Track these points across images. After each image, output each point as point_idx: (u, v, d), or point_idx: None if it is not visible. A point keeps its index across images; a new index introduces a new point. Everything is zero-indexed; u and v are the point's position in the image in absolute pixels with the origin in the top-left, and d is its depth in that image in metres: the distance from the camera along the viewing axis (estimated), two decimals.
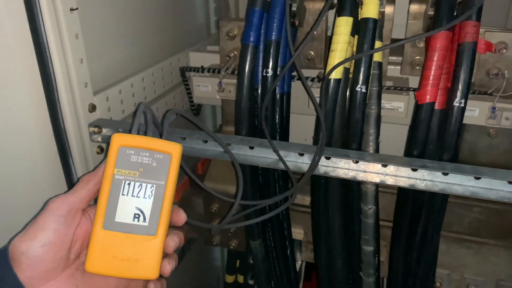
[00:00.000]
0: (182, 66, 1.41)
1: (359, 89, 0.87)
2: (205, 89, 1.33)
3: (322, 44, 1.24)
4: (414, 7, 1.13)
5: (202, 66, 1.35)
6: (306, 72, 1.25)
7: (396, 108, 1.16)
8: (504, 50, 1.09)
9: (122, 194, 0.57)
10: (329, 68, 0.88)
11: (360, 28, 0.87)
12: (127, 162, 0.57)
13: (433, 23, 0.83)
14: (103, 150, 1.05)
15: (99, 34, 1.07)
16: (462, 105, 0.83)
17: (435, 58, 0.82)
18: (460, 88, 0.82)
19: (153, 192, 0.57)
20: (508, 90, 1.11)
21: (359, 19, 0.89)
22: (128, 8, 1.19)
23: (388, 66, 1.22)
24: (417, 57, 1.11)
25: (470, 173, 0.79)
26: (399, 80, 1.20)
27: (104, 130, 1.00)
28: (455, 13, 0.85)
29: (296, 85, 1.18)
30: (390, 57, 1.20)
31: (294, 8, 1.03)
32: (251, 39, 0.92)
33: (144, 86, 1.25)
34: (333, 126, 0.91)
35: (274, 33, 0.91)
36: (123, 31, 1.17)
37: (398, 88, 1.15)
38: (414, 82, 1.13)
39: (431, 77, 0.83)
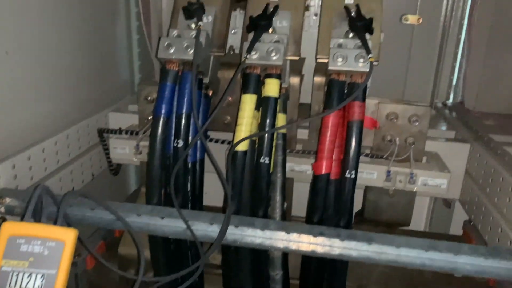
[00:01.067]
0: (100, 127, 1.41)
1: (263, 161, 0.94)
2: (123, 151, 1.34)
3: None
4: (317, 79, 1.25)
5: (120, 128, 1.36)
6: (224, 135, 1.32)
7: (305, 171, 1.25)
8: (395, 120, 1.23)
9: (9, 287, 0.56)
10: (235, 141, 0.94)
11: (262, 105, 0.95)
12: (16, 252, 0.57)
13: (325, 103, 0.93)
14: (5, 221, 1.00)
15: (4, 93, 1.03)
16: (353, 176, 0.92)
17: (328, 134, 0.92)
18: (350, 161, 0.92)
19: (43, 282, 0.57)
20: (401, 154, 1.25)
21: (262, 96, 0.97)
22: (40, 61, 1.15)
23: (298, 129, 1.32)
24: None
25: (363, 239, 0.86)
26: (308, 143, 1.31)
27: (8, 200, 0.96)
28: (345, 91, 0.96)
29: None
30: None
31: (206, 81, 1.10)
32: (162, 111, 0.97)
33: (57, 149, 1.23)
34: (241, 194, 0.96)
35: (184, 106, 0.96)
36: (34, 89, 1.14)
37: (306, 152, 1.24)
38: None
39: (325, 151, 0.92)
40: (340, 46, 0.97)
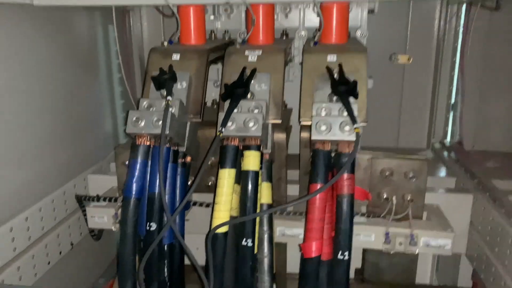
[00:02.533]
0: (78, 194, 1.32)
1: (246, 243, 0.85)
2: (101, 220, 1.24)
3: None
4: (305, 135, 1.17)
5: (97, 195, 1.27)
6: (208, 197, 1.22)
7: (297, 235, 1.16)
8: (390, 176, 1.14)
9: None
10: (214, 222, 0.84)
11: (242, 180, 0.86)
12: None
13: (310, 177, 0.84)
14: None
15: None
16: (346, 257, 0.82)
17: (316, 213, 0.83)
18: (342, 241, 0.82)
19: None
20: (400, 212, 1.15)
21: (242, 169, 0.88)
22: (20, 127, 1.08)
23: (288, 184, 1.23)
24: None
25: None
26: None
27: None
28: (331, 161, 0.87)
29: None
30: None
31: (183, 149, 1.01)
32: (133, 192, 0.88)
33: (28, 225, 1.14)
34: (223, 282, 0.86)
35: (157, 185, 0.88)
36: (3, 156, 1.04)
37: (298, 214, 1.15)
38: None
39: (314, 231, 0.83)
40: (323, 111, 0.89)
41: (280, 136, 1.11)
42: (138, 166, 0.88)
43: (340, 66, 0.93)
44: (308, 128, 1.16)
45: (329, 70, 0.93)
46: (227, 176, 0.85)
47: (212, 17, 1.38)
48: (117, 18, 1.41)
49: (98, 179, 1.41)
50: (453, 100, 1.69)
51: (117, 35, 1.49)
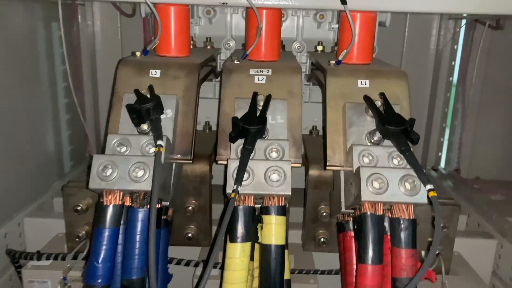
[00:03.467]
0: (11, 249, 0.98)
1: None
2: (43, 285, 0.92)
3: (206, 216, 0.96)
4: (314, 173, 0.93)
5: (38, 252, 0.94)
6: (189, 252, 0.95)
7: None
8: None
9: None
10: None
11: (262, 259, 0.60)
12: None
13: (359, 253, 0.60)
14: None
15: None
16: None
17: None
18: None
19: None
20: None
21: (259, 241, 0.62)
22: None
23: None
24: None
25: None
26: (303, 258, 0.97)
27: None
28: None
29: None
30: None
31: (166, 203, 0.73)
32: (99, 279, 0.58)
33: None
34: None
35: (135, 270, 0.59)
36: None
37: (304, 272, 0.91)
38: None
39: None
40: (365, 158, 0.65)
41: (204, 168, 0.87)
42: (106, 240, 0.59)
43: (383, 96, 0.70)
44: (318, 163, 0.93)
45: (370, 101, 0.70)
46: (239, 254, 0.59)
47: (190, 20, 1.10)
48: (63, 14, 1.09)
49: (37, 224, 1.08)
50: (448, 123, 1.54)
51: (63, 35, 1.16)
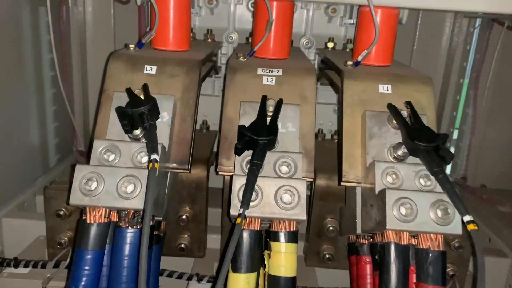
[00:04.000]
0: None
1: None
2: None
3: (201, 225, 0.87)
4: (321, 182, 0.85)
5: (15, 258, 0.85)
6: (180, 263, 0.86)
7: None
8: None
9: None
10: None
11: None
12: None
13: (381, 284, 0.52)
14: None
15: None
16: None
17: None
18: None
19: None
20: None
21: (266, 270, 0.53)
22: None
23: None
24: None
25: None
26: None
27: None
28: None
29: None
30: None
31: (159, 218, 0.64)
32: None
33: None
34: None
35: None
36: None
37: None
38: None
39: None
40: (388, 177, 0.57)
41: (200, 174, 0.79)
42: (88, 264, 0.50)
43: (411, 105, 0.62)
44: (325, 172, 0.85)
45: (395, 111, 0.61)
46: (243, 285, 0.50)
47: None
48: None
49: (16, 225, 0.98)
50: (457, 130, 1.46)
51: (51, 21, 1.06)
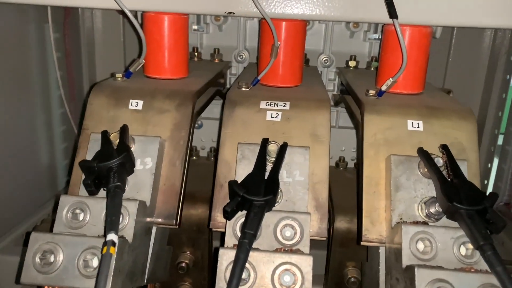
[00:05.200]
0: None
1: None
2: None
3: (204, 273, 0.77)
4: (340, 225, 0.73)
5: None
6: None
7: None
8: None
9: None
10: None
11: None
12: None
13: None
14: None
15: None
16: None
17: None
18: None
19: None
20: None
21: None
22: None
23: None
24: None
25: None
26: None
27: None
28: None
29: None
30: None
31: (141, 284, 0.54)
32: None
33: None
34: None
35: None
36: None
37: None
38: None
39: None
40: (420, 244, 0.44)
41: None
42: None
43: (448, 151, 0.49)
44: (346, 213, 0.73)
45: (428, 158, 0.48)
46: None
47: (194, 26, 0.90)
48: (56, 15, 0.92)
49: (11, 264, 0.91)
50: (498, 149, 1.30)
51: (57, 37, 1.00)
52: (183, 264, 0.73)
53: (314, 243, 0.86)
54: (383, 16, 0.54)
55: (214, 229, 0.52)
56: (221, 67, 0.84)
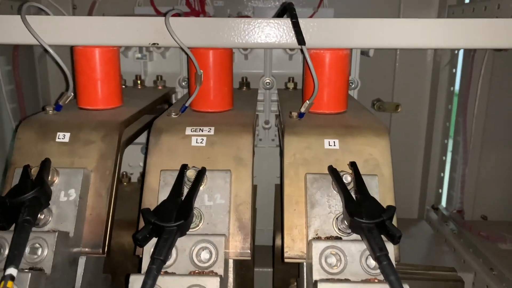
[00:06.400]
0: None
1: None
2: None
3: None
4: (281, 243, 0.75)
5: None
6: None
7: None
8: None
9: None
10: None
11: None
12: None
13: None
14: None
15: None
16: None
17: None
18: None
19: None
20: None
21: None
22: None
23: None
24: None
25: None
26: None
27: None
28: None
29: None
30: None
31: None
32: None
33: None
34: None
35: None
36: None
37: None
38: None
39: None
40: (332, 258, 0.47)
41: None
42: None
43: (355, 167, 0.52)
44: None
45: (335, 175, 0.51)
46: None
47: (138, 55, 0.93)
48: (4, 48, 0.94)
49: None
50: (448, 158, 1.35)
51: (7, 70, 1.02)
52: None
53: (261, 261, 0.88)
54: (293, 42, 0.58)
55: (141, 256, 0.54)
56: (162, 93, 0.86)
